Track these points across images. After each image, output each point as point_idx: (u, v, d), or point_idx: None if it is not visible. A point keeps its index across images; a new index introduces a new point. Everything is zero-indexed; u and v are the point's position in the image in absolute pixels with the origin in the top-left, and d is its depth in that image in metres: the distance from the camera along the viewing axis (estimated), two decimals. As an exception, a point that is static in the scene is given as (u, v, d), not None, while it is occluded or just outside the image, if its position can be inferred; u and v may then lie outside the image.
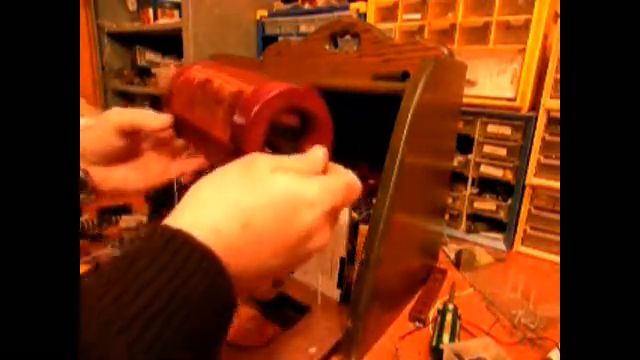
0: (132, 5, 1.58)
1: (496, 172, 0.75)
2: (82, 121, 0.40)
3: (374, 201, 0.43)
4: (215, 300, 0.22)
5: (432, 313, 0.53)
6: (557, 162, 0.69)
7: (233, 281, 0.23)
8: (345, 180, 0.29)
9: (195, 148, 0.44)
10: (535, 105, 0.73)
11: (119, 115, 0.40)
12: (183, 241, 0.22)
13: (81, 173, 0.38)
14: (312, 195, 0.27)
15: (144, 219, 0.75)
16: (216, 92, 0.36)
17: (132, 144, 0.41)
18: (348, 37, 0.58)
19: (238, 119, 0.30)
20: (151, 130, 0.40)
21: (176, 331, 0.20)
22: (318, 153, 0.29)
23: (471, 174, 0.78)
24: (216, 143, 0.34)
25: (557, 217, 0.70)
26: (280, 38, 1.17)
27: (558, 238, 0.71)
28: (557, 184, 0.69)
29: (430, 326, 0.51)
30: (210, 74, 0.38)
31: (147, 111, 0.41)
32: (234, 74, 0.36)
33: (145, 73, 1.59)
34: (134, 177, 0.42)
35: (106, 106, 1.62)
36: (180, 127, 0.43)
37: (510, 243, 0.75)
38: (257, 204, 0.25)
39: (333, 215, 0.29)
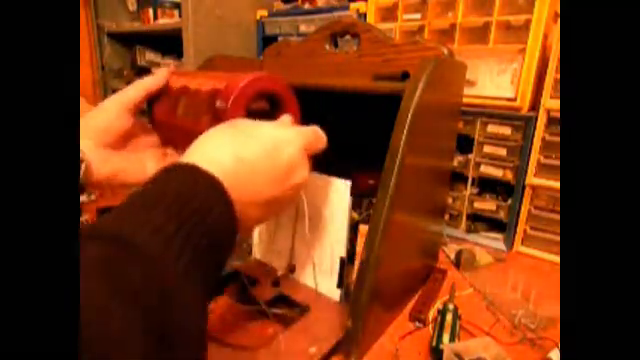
0: (132, 5, 1.58)
1: (496, 172, 0.75)
2: (82, 122, 0.41)
3: (374, 201, 0.43)
4: (219, 205, 0.27)
5: (432, 313, 0.53)
6: (557, 162, 0.68)
7: (231, 200, 0.28)
8: (312, 128, 0.37)
9: (180, 152, 0.45)
10: (535, 105, 0.73)
11: (122, 96, 0.42)
12: (191, 168, 0.27)
13: (81, 154, 0.38)
14: (289, 135, 0.34)
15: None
16: (194, 94, 0.40)
17: (137, 125, 0.44)
18: (348, 37, 0.58)
19: (219, 109, 0.35)
20: (159, 85, 0.44)
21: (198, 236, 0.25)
22: (286, 118, 0.38)
23: (471, 174, 0.78)
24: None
25: (557, 217, 0.70)
26: (280, 38, 1.16)
27: (558, 238, 0.71)
28: (557, 184, 0.68)
29: (430, 326, 0.51)
30: (186, 80, 0.43)
31: (141, 79, 0.44)
32: (207, 76, 0.41)
33: (145, 73, 1.58)
34: (131, 166, 0.43)
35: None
36: (164, 133, 0.46)
37: (510, 243, 0.75)
38: (246, 144, 0.31)
39: (307, 154, 0.35)
